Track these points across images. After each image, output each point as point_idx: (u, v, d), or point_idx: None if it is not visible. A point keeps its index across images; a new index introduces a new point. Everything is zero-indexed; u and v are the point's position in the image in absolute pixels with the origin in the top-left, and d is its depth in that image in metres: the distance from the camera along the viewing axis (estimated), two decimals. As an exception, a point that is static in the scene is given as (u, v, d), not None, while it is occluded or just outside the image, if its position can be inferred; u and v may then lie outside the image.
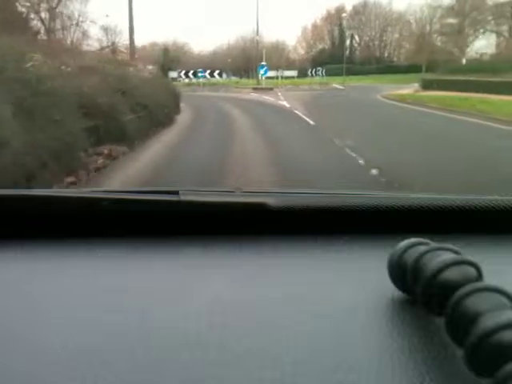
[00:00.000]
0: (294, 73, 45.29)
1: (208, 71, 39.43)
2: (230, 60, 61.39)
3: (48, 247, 0.73)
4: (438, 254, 0.48)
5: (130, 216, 0.75)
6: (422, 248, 0.50)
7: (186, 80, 40.59)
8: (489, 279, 0.46)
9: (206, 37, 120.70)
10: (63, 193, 0.84)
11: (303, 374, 0.42)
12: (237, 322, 0.51)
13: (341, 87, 37.52)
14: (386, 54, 70.14)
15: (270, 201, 0.75)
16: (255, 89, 34.11)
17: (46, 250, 0.72)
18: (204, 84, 37.04)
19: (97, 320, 0.52)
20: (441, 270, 0.46)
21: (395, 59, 69.12)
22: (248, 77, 63.88)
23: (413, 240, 0.53)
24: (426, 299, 0.47)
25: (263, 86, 35.70)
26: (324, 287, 0.59)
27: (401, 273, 0.52)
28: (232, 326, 0.50)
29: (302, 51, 75.18)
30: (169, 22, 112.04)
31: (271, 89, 33.25)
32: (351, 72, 53.53)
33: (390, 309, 0.53)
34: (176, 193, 0.76)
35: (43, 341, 0.48)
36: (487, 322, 0.38)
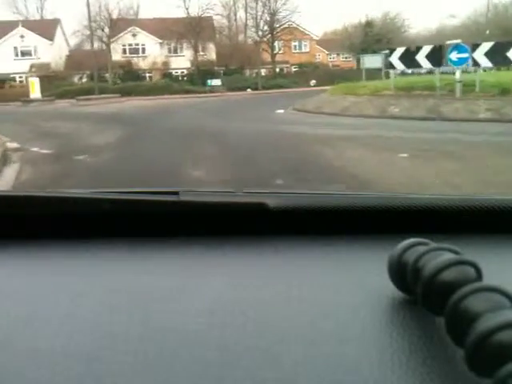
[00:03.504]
0: None
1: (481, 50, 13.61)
2: (488, 32, 34.03)
3: (48, 247, 0.73)
4: (437, 254, 0.48)
5: (129, 216, 0.75)
6: (422, 248, 0.50)
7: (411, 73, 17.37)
8: (489, 279, 0.46)
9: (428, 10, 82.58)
10: (63, 193, 0.84)
11: (303, 374, 0.42)
12: (237, 321, 0.51)
13: None
14: None
15: (270, 201, 0.75)
16: None
17: (46, 250, 0.72)
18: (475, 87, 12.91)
19: (97, 320, 0.52)
20: (441, 270, 0.46)
21: None
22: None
23: (413, 240, 0.53)
24: (425, 299, 0.47)
25: None
26: (324, 287, 0.59)
27: (401, 273, 0.52)
28: (232, 326, 0.50)
29: None
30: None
31: None
32: None
33: (389, 309, 0.53)
34: (176, 193, 0.76)
35: (43, 342, 0.48)
36: (487, 322, 0.38)
